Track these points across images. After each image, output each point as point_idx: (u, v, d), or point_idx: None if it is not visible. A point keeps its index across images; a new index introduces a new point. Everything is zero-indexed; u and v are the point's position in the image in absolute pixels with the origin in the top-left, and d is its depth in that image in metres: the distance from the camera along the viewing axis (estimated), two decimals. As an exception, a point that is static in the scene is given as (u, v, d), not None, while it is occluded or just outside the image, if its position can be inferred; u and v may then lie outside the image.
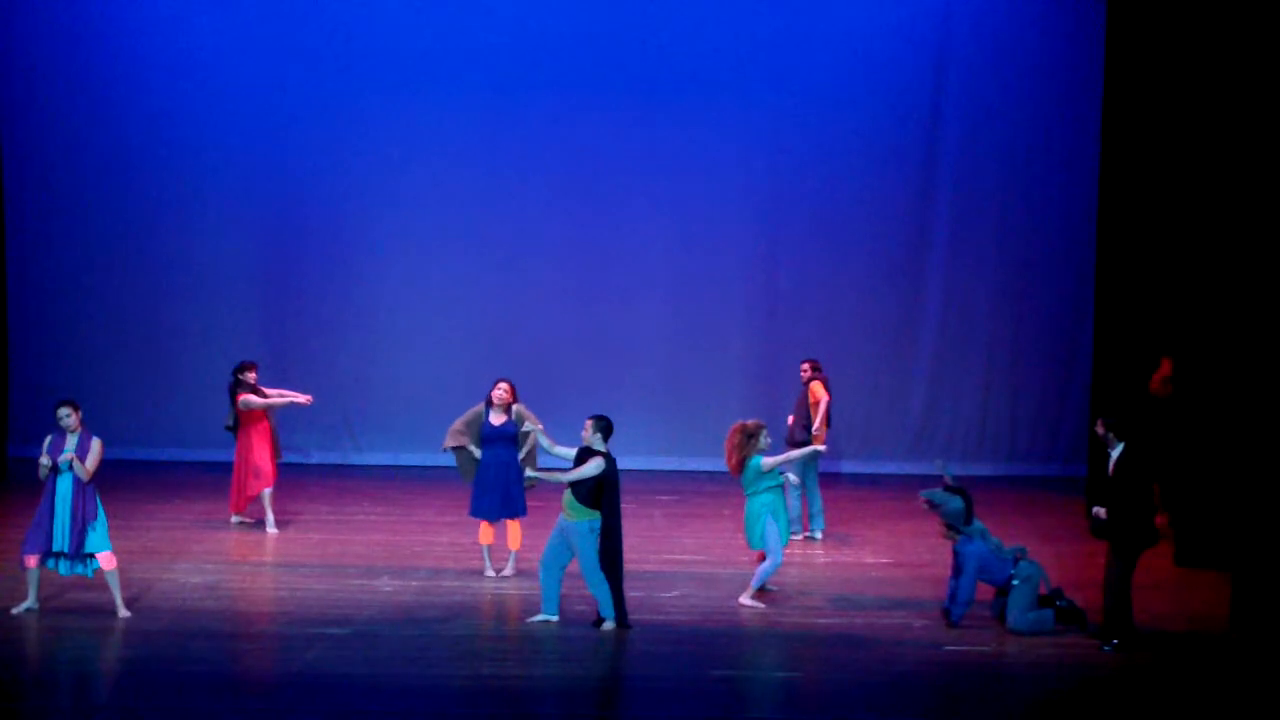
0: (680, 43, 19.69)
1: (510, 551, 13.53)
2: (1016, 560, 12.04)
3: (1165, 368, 15.71)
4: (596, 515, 11.73)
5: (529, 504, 13.54)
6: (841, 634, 11.85)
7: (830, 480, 18.22)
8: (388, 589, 12.97)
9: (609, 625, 11.78)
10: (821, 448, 14.40)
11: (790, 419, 15.67)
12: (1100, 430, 11.75)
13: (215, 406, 16.48)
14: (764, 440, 12.63)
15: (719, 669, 10.91)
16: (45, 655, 11.29)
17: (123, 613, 11.86)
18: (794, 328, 19.67)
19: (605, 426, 11.86)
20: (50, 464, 11.70)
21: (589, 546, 11.73)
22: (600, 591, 11.77)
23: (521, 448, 13.27)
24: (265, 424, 15.45)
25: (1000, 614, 12.02)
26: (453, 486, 15.93)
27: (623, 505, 11.97)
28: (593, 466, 11.69)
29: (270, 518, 15.39)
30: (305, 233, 19.85)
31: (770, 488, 12.62)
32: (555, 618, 11.92)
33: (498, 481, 13.32)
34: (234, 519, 15.61)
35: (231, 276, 19.80)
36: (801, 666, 11.20)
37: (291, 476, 17.22)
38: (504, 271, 19.88)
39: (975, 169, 19.85)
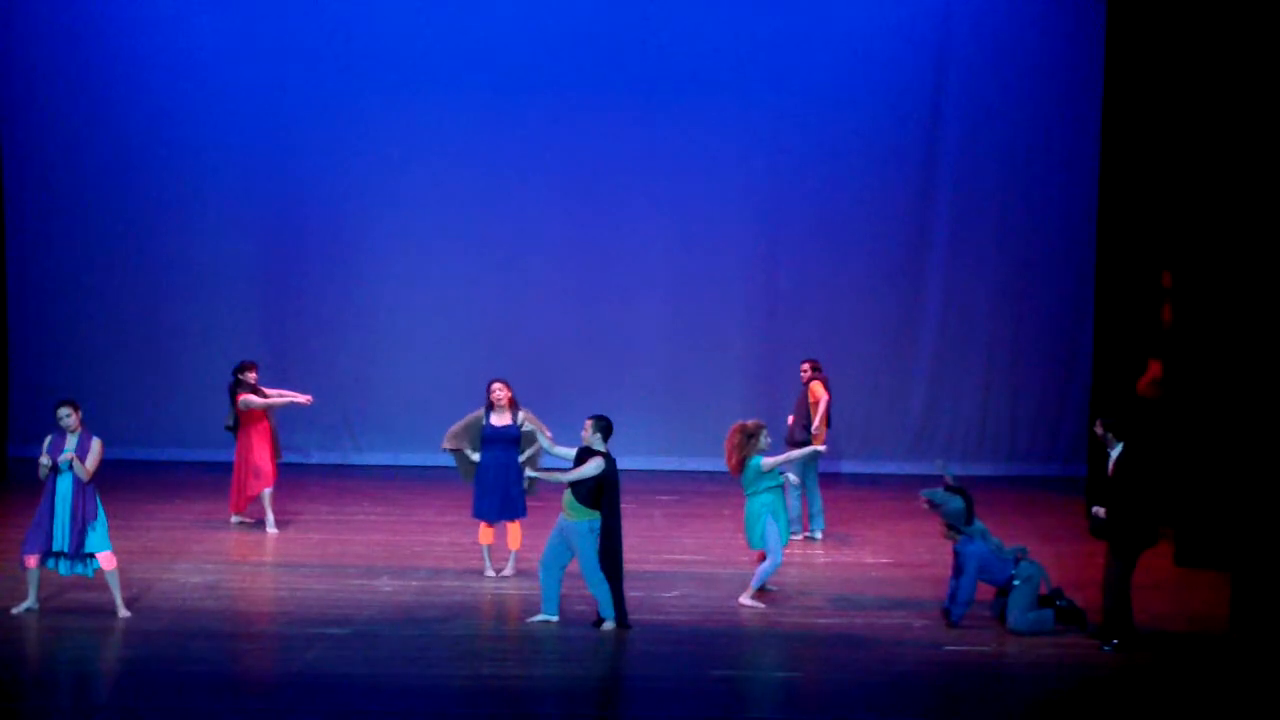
0: (680, 43, 19.69)
1: (510, 551, 13.53)
2: (1017, 560, 12.04)
3: (1154, 370, 15.70)
4: (596, 515, 11.73)
5: (529, 505, 13.53)
6: (841, 634, 11.85)
7: (830, 480, 18.22)
8: (388, 589, 12.97)
9: (609, 625, 11.78)
10: (821, 448, 14.40)
11: (790, 419, 15.67)
12: (1099, 430, 11.75)
13: (215, 406, 16.48)
14: (764, 440, 12.63)
15: (719, 669, 10.91)
16: (45, 655, 11.29)
17: (123, 613, 11.86)
18: (794, 328, 19.67)
19: (605, 426, 11.86)
20: (50, 464, 11.70)
21: (589, 546, 11.73)
22: (600, 591, 11.77)
23: (524, 449, 13.28)
24: (265, 424, 15.45)
25: (1000, 614, 12.02)
26: (453, 486, 15.93)
27: (623, 505, 11.97)
28: (592, 466, 11.69)
29: (270, 518, 15.39)
30: (305, 233, 19.85)
31: (770, 488, 12.62)
32: (555, 618, 11.92)
33: (497, 483, 13.33)
34: (234, 519, 15.61)
35: (231, 276, 19.80)
36: (801, 666, 11.20)
37: (291, 476, 17.22)
38: (504, 271, 19.88)
39: (975, 169, 19.85)
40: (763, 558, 12.78)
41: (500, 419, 13.29)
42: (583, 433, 11.88)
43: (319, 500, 17.17)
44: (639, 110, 19.75)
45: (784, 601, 12.78)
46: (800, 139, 19.77)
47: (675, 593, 13.00)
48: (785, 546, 12.81)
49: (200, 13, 19.64)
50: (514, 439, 13.27)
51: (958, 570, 12.12)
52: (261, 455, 15.32)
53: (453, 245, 19.87)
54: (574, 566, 11.94)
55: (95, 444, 11.77)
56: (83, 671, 10.94)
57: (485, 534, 13.48)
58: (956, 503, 12.20)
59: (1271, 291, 13.17)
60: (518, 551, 13.51)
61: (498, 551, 13.65)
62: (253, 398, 15.24)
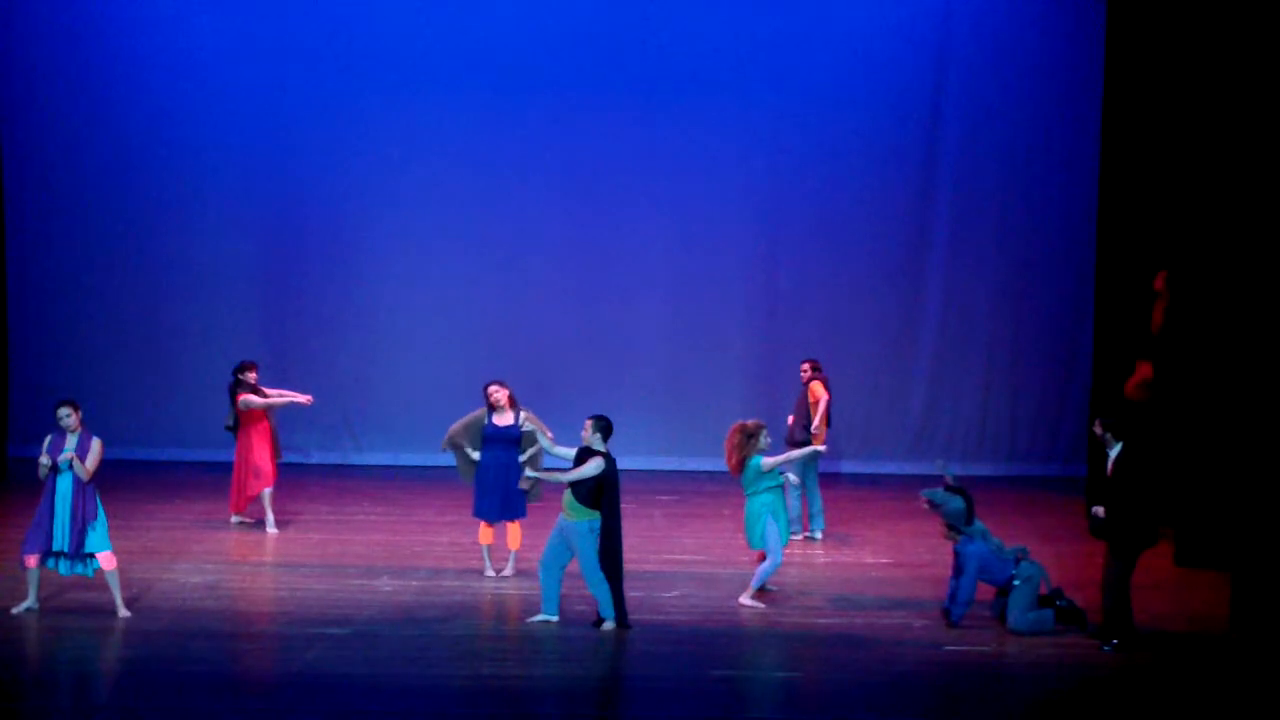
0: (680, 43, 19.69)
1: (510, 551, 13.53)
2: (1018, 561, 12.04)
3: (1142, 372, 15.71)
4: (596, 515, 11.73)
5: (529, 505, 13.53)
6: (841, 634, 11.85)
7: (830, 480, 18.22)
8: (388, 589, 12.97)
9: (609, 625, 11.77)
10: (821, 448, 14.40)
11: (790, 419, 15.67)
12: (1098, 430, 11.75)
13: (215, 406, 16.48)
14: (764, 440, 12.63)
15: (719, 669, 10.91)
16: (45, 655, 11.29)
17: (123, 613, 11.86)
18: (794, 328, 19.67)
19: (605, 426, 11.86)
20: (50, 464, 11.69)
21: (589, 546, 11.73)
22: (600, 591, 11.77)
23: (525, 450, 13.28)
24: (265, 424, 15.45)
25: (1000, 614, 12.02)
26: (453, 486, 15.92)
27: (623, 505, 11.97)
28: (592, 466, 11.69)
29: (270, 518, 15.39)
30: (305, 233, 19.86)
31: (770, 488, 12.62)
32: (555, 618, 11.92)
33: (497, 483, 13.33)
34: (234, 519, 15.61)
35: (231, 276, 19.80)
36: (801, 666, 11.20)
37: (291, 476, 17.22)
38: (504, 271, 19.88)
39: (975, 169, 19.86)
40: (763, 558, 12.78)
41: (502, 419, 13.30)
42: (583, 433, 11.88)
43: (319, 500, 17.17)
44: (639, 110, 19.75)
45: (784, 601, 12.78)
46: (800, 139, 19.77)
47: (675, 593, 13.00)
48: (785, 546, 12.81)
49: (200, 13, 19.65)
50: (515, 439, 13.27)
51: (958, 570, 12.12)
52: (261, 455, 15.32)
53: (453, 245, 19.88)
54: (574, 566, 11.94)
55: (95, 444, 11.77)
56: (83, 671, 10.94)
57: (485, 534, 13.48)
58: (957, 503, 12.20)
59: (1272, 291, 13.17)
60: (518, 551, 13.51)
61: (498, 551, 13.65)
62: (253, 398, 15.24)
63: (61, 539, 11.71)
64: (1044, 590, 12.09)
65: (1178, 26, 15.50)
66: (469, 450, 13.35)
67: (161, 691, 10.22)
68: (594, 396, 17.54)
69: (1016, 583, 11.93)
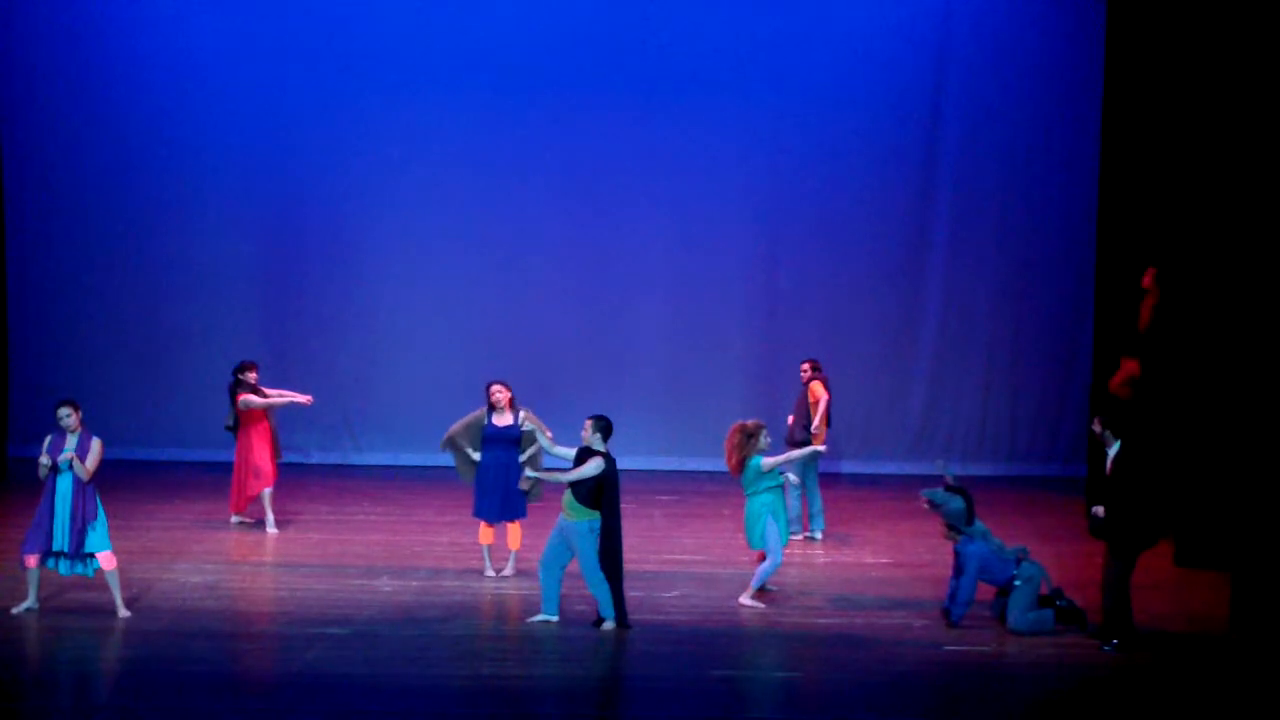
0: (680, 43, 19.69)
1: (510, 551, 13.53)
2: (1019, 561, 12.04)
3: (1127, 369, 15.73)
4: (596, 515, 11.73)
5: (529, 505, 13.53)
6: (841, 634, 11.85)
7: (830, 480, 18.22)
8: (388, 589, 12.97)
9: (609, 625, 11.78)
10: (821, 448, 14.39)
11: (790, 419, 15.67)
12: (1097, 428, 11.76)
13: (215, 406, 16.48)
14: (764, 440, 12.63)
15: (719, 669, 10.91)
16: (45, 655, 11.29)
17: (123, 613, 11.85)
18: (794, 328, 19.67)
19: (605, 427, 11.86)
20: (50, 464, 11.69)
21: (589, 546, 11.73)
22: (600, 591, 11.77)
23: (525, 450, 13.28)
24: (265, 424, 15.45)
25: (1000, 614, 12.02)
26: (453, 486, 15.92)
27: (623, 505, 11.97)
28: (592, 466, 11.69)
29: (270, 518, 15.39)
30: (305, 233, 19.86)
31: (770, 488, 12.62)
32: (555, 618, 11.92)
33: (497, 484, 13.33)
34: (234, 519, 15.61)
35: (231, 276, 19.81)
36: (801, 666, 11.20)
37: (291, 476, 17.22)
38: (504, 271, 19.88)
39: (975, 169, 19.86)
40: (763, 558, 12.78)
41: (502, 419, 13.30)
42: (582, 433, 11.88)
43: (319, 500, 17.17)
44: (639, 110, 19.75)
45: (784, 601, 12.78)
46: (800, 139, 19.77)
47: (675, 593, 13.00)
48: (785, 546, 12.81)
49: (200, 13, 19.65)
50: (514, 439, 13.28)
51: (958, 570, 12.12)
52: (261, 455, 15.32)
53: (453, 245, 19.88)
54: (574, 566, 11.94)
55: (95, 444, 11.77)
56: (83, 671, 10.94)
57: (485, 534, 13.48)
58: (957, 503, 12.20)
59: (1273, 291, 13.17)
60: (518, 551, 13.51)
61: (498, 551, 13.65)
62: (253, 398, 15.24)
63: (61, 539, 11.71)
64: (1044, 590, 12.09)
65: (1178, 26, 15.50)
66: (469, 450, 13.35)
67: (161, 691, 10.22)
68: (594, 396, 17.55)
69: (1017, 583, 11.93)
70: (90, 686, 10.69)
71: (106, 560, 11.81)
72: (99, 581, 11.97)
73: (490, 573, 13.46)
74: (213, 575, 13.38)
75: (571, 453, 11.99)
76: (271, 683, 10.61)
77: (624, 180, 19.83)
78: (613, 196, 19.85)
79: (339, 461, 19.84)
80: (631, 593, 12.17)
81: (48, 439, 11.80)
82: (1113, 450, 11.59)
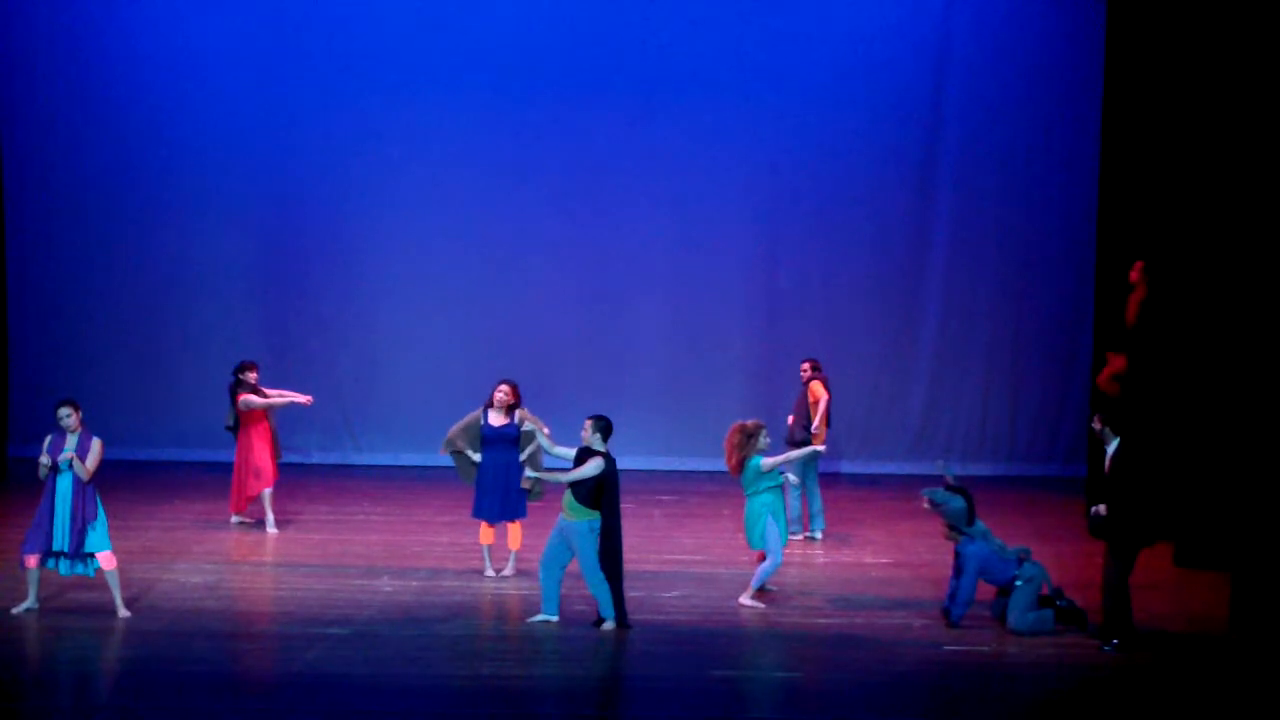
0: (680, 43, 19.69)
1: (510, 551, 13.53)
2: (1020, 561, 12.03)
3: (1113, 365, 15.74)
4: (596, 515, 11.73)
5: (529, 506, 13.53)
6: (841, 634, 11.85)
7: (830, 480, 18.23)
8: (388, 589, 12.97)
9: (609, 625, 11.77)
10: (821, 448, 14.39)
11: (790, 419, 15.67)
12: (1096, 426, 11.77)
13: (215, 406, 16.47)
14: (763, 440, 12.63)
15: (719, 669, 10.91)
16: (45, 655, 11.29)
17: (123, 613, 11.85)
18: (794, 328, 19.67)
19: (605, 427, 11.86)
20: (50, 464, 11.69)
21: (589, 546, 11.73)
22: (600, 591, 11.77)
23: (524, 449, 13.28)
24: (265, 424, 15.45)
25: (1000, 614, 12.02)
26: (453, 486, 15.92)
27: (623, 505, 11.97)
28: (592, 467, 11.69)
29: (270, 518, 15.39)
30: (305, 233, 19.86)
31: (770, 488, 12.62)
32: (555, 618, 11.92)
33: (497, 484, 13.33)
34: (234, 519, 15.61)
35: (231, 276, 19.81)
36: (801, 666, 11.20)
37: (291, 476, 17.22)
38: (504, 271, 19.88)
39: (975, 169, 19.86)
40: (763, 558, 12.78)
41: (498, 419, 13.30)
42: (582, 433, 11.88)
43: (319, 500, 17.17)
44: (639, 110, 19.76)
45: (784, 601, 12.78)
46: (800, 139, 19.78)
47: (675, 593, 13.00)
48: (785, 546, 12.81)
49: (200, 13, 19.66)
50: (513, 439, 13.28)
51: (958, 570, 12.12)
52: (262, 455, 15.32)
53: (453, 245, 19.88)
54: (574, 566, 11.94)
55: (95, 444, 11.77)
56: (83, 671, 10.94)
57: (485, 534, 13.48)
58: (958, 503, 12.19)
59: (1273, 290, 13.17)
60: (518, 551, 13.51)
61: (498, 551, 13.65)
62: (253, 398, 15.24)
63: (61, 539, 11.71)
64: (1045, 590, 12.09)
65: (1178, 26, 15.50)
66: (469, 452, 13.35)
67: (161, 691, 10.22)
68: (594, 396, 17.54)
69: (1019, 583, 11.93)
70: (90, 686, 10.69)
71: (106, 560, 11.81)
72: (99, 581, 11.97)
73: (490, 573, 13.46)
74: (213, 575, 13.38)
75: (571, 453, 11.99)
76: (271, 683, 10.61)
77: (624, 180, 19.83)
78: (613, 196, 19.85)
79: (339, 461, 19.84)
80: (631, 593, 12.17)
81: (48, 439, 11.80)
82: (1111, 448, 11.59)
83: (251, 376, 15.39)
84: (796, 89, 19.71)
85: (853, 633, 11.88)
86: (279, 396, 15.56)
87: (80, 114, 19.69)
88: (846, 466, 19.82)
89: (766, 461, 12.56)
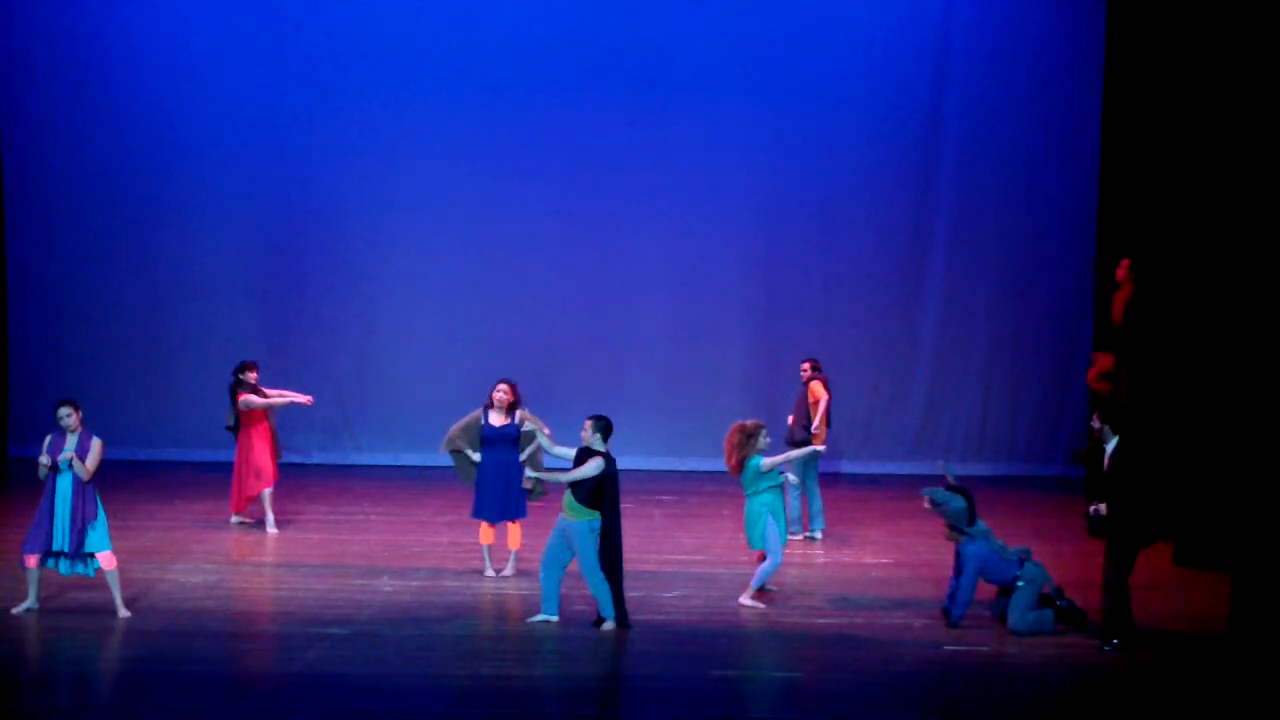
0: (680, 43, 19.70)
1: (510, 551, 13.53)
2: (1022, 562, 12.03)
3: (1101, 363, 15.73)
4: (596, 515, 11.73)
5: (529, 505, 13.53)
6: (841, 634, 11.85)
7: (830, 480, 18.23)
8: (388, 589, 12.97)
9: (609, 625, 11.77)
10: (821, 447, 14.40)
11: (790, 419, 15.67)
12: (1096, 424, 11.77)
13: (215, 407, 16.48)
14: (763, 440, 12.63)
15: (719, 669, 10.91)
16: (45, 655, 11.29)
17: (123, 613, 11.85)
18: (794, 328, 19.67)
19: (605, 427, 11.86)
20: (50, 463, 11.69)
21: (589, 546, 11.73)
22: (600, 591, 11.77)
23: (524, 449, 13.28)
24: (265, 424, 15.45)
25: (1000, 614, 12.02)
26: (453, 486, 15.92)
27: (623, 505, 11.97)
28: (592, 467, 11.69)
29: (270, 518, 15.39)
30: (305, 233, 19.86)
31: (770, 488, 12.62)
32: (555, 618, 11.92)
33: (497, 484, 13.33)
34: (234, 519, 15.61)
35: (231, 276, 19.81)
36: (801, 666, 11.20)
37: (291, 476, 17.21)
38: (504, 271, 19.88)
39: (975, 169, 19.86)
40: (763, 558, 12.78)
41: (499, 419, 13.30)
42: (582, 433, 11.88)
43: (319, 500, 17.17)
44: (639, 110, 19.76)
45: (784, 601, 12.78)
46: (800, 139, 19.78)
47: (675, 593, 13.00)
48: (785, 546, 12.81)
49: (200, 13, 19.66)
50: (513, 439, 13.28)
51: (958, 570, 12.12)
52: (262, 455, 15.32)
53: (453, 245, 19.88)
54: (574, 566, 11.94)
55: (95, 444, 11.77)
56: (83, 671, 10.93)
57: (485, 534, 13.48)
58: (958, 502, 12.19)
59: (1273, 290, 13.17)
60: (518, 551, 13.51)
61: (498, 551, 13.65)
62: (253, 398, 15.25)
63: (61, 539, 11.71)
64: (1046, 590, 12.08)
65: (1178, 26, 15.51)
66: (469, 452, 13.35)
67: (161, 691, 10.22)
68: (594, 396, 17.55)
69: (1020, 584, 11.92)
70: (90, 686, 10.68)
71: (106, 560, 11.81)
72: (99, 581, 11.97)
73: (490, 573, 13.46)
74: (213, 575, 13.38)
75: (571, 453, 11.99)
76: (271, 683, 10.61)
77: (624, 180, 19.83)
78: (613, 196, 19.85)
79: (339, 461, 19.84)
80: (631, 593, 12.17)
81: (48, 439, 11.81)
82: (1110, 446, 11.59)
83: (251, 376, 15.39)
84: (797, 89, 19.71)
85: (853, 633, 11.88)
86: (279, 396, 15.56)
87: (80, 114, 19.69)
88: (846, 466, 19.82)
89: (766, 461, 12.56)
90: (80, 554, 11.75)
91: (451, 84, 19.72)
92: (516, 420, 13.28)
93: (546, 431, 13.04)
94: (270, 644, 11.51)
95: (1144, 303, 15.53)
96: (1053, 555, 13.86)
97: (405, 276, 19.87)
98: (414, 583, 13.20)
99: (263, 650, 11.35)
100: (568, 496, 11.79)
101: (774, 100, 19.72)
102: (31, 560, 11.80)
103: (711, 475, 18.11)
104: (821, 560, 14.63)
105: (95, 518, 11.74)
